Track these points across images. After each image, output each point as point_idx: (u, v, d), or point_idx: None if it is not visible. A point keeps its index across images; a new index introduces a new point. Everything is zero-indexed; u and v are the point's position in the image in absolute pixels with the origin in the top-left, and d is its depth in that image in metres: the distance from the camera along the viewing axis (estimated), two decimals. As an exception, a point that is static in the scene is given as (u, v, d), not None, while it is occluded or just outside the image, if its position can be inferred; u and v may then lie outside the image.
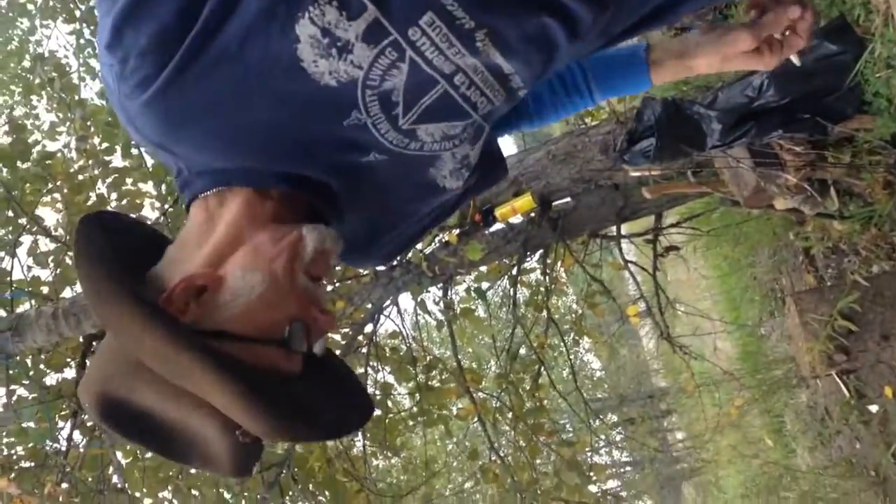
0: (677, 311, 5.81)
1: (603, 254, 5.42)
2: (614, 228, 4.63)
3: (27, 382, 4.38)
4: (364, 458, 5.10)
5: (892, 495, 5.11)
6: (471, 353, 8.52)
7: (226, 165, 0.96)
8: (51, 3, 6.42)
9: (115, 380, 0.92)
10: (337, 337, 4.86)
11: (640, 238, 5.01)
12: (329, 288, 4.52)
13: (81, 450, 4.36)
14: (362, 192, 1.03)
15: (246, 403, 0.85)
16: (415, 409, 5.38)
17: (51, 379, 4.51)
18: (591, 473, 5.37)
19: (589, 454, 5.57)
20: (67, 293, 4.43)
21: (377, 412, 5.12)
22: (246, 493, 4.65)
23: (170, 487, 4.58)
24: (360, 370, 4.82)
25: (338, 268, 4.55)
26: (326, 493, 4.81)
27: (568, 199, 4.33)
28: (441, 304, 5.03)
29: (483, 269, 5.00)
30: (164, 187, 4.63)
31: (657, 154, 3.36)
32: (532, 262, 5.05)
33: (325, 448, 4.79)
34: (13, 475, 4.05)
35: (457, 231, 4.25)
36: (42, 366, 4.48)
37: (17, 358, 4.27)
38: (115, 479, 4.33)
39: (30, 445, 4.35)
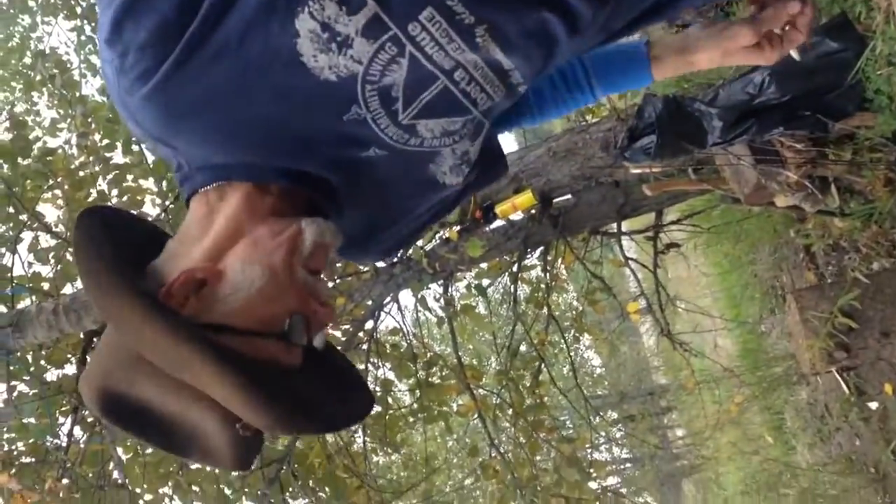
0: (678, 308, 5.81)
1: (603, 251, 5.42)
2: (615, 225, 4.63)
3: (28, 378, 4.39)
4: (364, 454, 5.11)
5: (891, 492, 5.12)
6: (471, 350, 8.53)
7: (226, 160, 0.96)
8: (52, 0, 6.42)
9: (116, 374, 0.92)
10: (337, 333, 4.87)
11: (641, 235, 5.01)
12: (330, 284, 4.53)
13: (82, 446, 4.36)
14: (362, 187, 1.03)
15: (246, 396, 0.85)
16: (415, 405, 5.39)
17: (51, 375, 4.52)
18: (591, 470, 5.37)
19: (589, 451, 5.58)
20: (68, 289, 4.44)
21: (378, 409, 5.13)
22: (246, 490, 4.65)
23: (170, 483, 4.58)
24: (361, 367, 4.83)
25: (338, 264, 4.56)
26: (326, 489, 4.82)
27: (569, 195, 4.33)
28: (441, 300, 5.04)
29: (484, 265, 5.00)
30: (164, 184, 4.63)
31: (658, 151, 3.36)
32: (533, 258, 5.05)
33: (326, 444, 4.80)
34: (14, 471, 4.06)
35: (457, 228, 4.25)
36: (43, 362, 4.49)
37: (18, 354, 4.28)
38: (115, 474, 4.34)
39: (30, 441, 4.36)
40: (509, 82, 1.02)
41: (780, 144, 3.27)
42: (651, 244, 4.85)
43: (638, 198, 4.23)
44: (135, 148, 4.72)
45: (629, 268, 5.26)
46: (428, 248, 4.43)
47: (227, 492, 4.63)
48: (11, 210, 4.51)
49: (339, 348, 1.20)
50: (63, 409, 4.45)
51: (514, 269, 4.97)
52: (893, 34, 2.81)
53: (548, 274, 5.07)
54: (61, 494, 3.97)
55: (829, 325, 3.59)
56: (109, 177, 4.81)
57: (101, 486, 4.22)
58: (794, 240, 5.31)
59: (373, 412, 5.18)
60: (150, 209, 4.92)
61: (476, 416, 5.11)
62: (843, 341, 3.62)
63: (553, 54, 1.05)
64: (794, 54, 1.22)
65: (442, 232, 4.35)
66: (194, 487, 4.57)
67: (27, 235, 4.63)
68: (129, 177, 4.87)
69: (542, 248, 4.81)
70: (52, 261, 4.52)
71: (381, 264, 4.53)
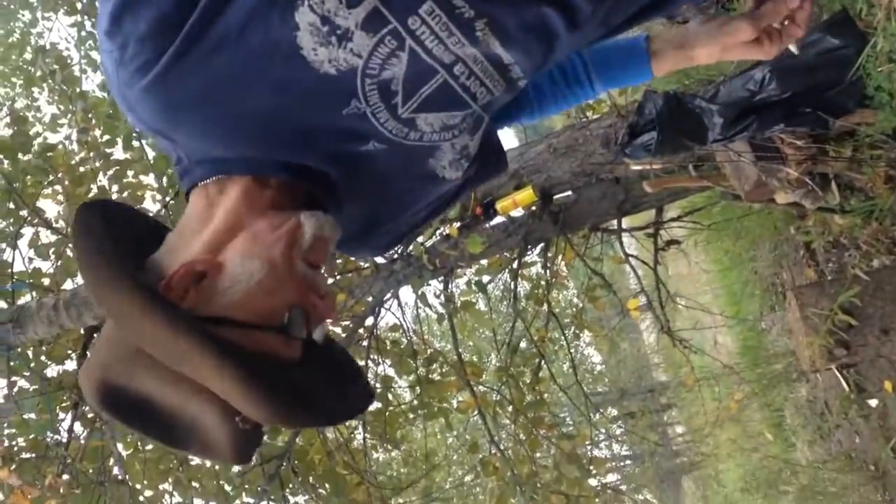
0: (678, 305, 5.80)
1: (604, 247, 5.42)
2: (615, 222, 4.63)
3: (28, 374, 4.39)
4: (364, 450, 5.11)
5: (891, 489, 5.12)
6: (471, 347, 8.52)
7: (225, 154, 0.96)
8: (52, -4, 6.42)
9: (115, 367, 0.92)
10: (338, 330, 4.87)
11: (641, 232, 5.01)
12: (330, 281, 4.52)
13: (82, 441, 4.37)
14: (361, 181, 1.03)
15: (246, 389, 0.85)
16: (415, 402, 5.38)
17: (52, 371, 4.52)
18: (591, 467, 5.37)
19: (589, 448, 5.58)
20: (68, 285, 4.44)
21: (378, 405, 5.13)
22: (246, 486, 4.66)
23: (170, 479, 4.59)
24: (361, 363, 4.83)
25: (339, 261, 4.56)
26: (326, 485, 4.82)
27: (569, 192, 4.33)
28: (442, 297, 5.04)
29: (484, 262, 5.00)
30: (165, 180, 4.63)
31: (658, 148, 3.36)
32: (533, 255, 5.05)
33: (326, 441, 4.80)
34: (14, 466, 4.06)
35: (458, 224, 4.25)
36: (43, 357, 4.49)
37: (19, 349, 4.28)
38: (115, 470, 4.34)
39: (31, 437, 4.36)
40: (509, 77, 1.03)
41: (780, 141, 3.27)
42: (651, 241, 4.85)
43: (638, 194, 4.23)
44: (135, 144, 4.72)
45: (629, 264, 5.25)
46: (428, 244, 4.43)
47: (227, 488, 4.63)
48: (12, 206, 4.51)
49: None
50: (63, 404, 4.46)
51: (515, 265, 4.97)
52: (894, 31, 2.81)
53: (548, 270, 5.06)
54: (61, 490, 3.98)
55: (829, 323, 3.60)
56: (110, 173, 4.82)
57: (101, 482, 4.22)
58: (795, 237, 5.31)
59: (373, 408, 5.20)
60: (151, 205, 4.93)
61: (476, 412, 5.11)
62: (843, 338, 3.62)
63: (553, 49, 1.05)
64: (793, 48, 1.22)
65: (442, 228, 4.35)
66: (194, 483, 4.57)
67: (28, 231, 4.63)
68: (130, 173, 4.87)
69: (542, 244, 4.80)
70: (53, 256, 4.52)
71: (381, 261, 4.53)
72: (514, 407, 5.13)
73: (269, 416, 0.88)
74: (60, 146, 5.02)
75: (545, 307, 5.21)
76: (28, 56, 6.61)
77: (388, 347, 5.21)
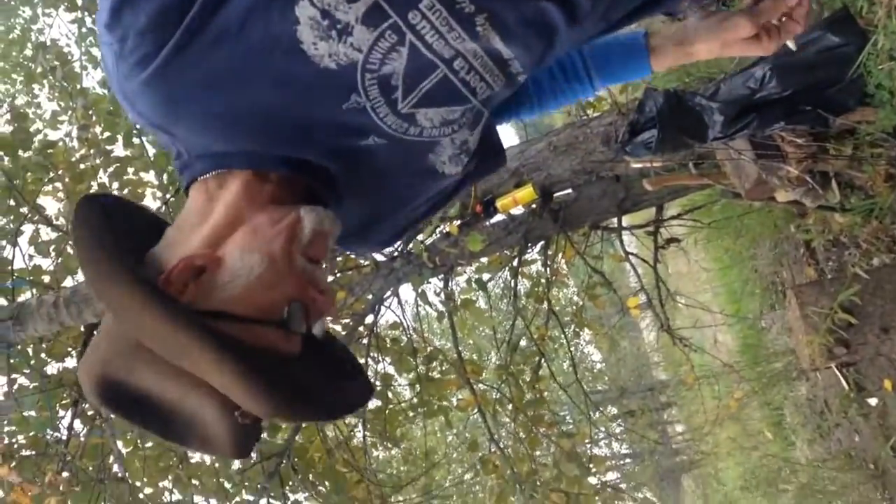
0: (678, 303, 5.80)
1: (604, 245, 5.42)
2: (615, 220, 4.63)
3: (28, 371, 4.39)
4: (364, 448, 5.11)
5: (891, 488, 5.13)
6: (471, 345, 8.52)
7: (226, 148, 0.96)
8: (52, -8, 6.41)
9: (115, 361, 0.92)
10: (338, 327, 4.87)
11: (641, 230, 5.01)
12: (330, 278, 4.53)
13: (82, 439, 4.37)
14: (361, 176, 1.03)
15: (246, 383, 0.85)
16: (415, 400, 5.39)
17: (52, 368, 4.52)
18: (591, 465, 5.37)
19: (589, 446, 5.57)
20: (69, 282, 4.44)
21: (378, 403, 5.14)
22: (246, 483, 4.66)
23: (170, 477, 4.59)
24: (361, 361, 4.83)
25: (339, 258, 4.56)
26: (326, 483, 4.82)
27: (569, 190, 4.32)
28: (442, 295, 5.04)
29: (484, 260, 5.00)
30: (165, 177, 4.63)
31: (659, 145, 3.36)
32: (533, 253, 5.05)
33: (326, 438, 4.80)
34: (14, 463, 4.06)
35: (458, 222, 4.24)
36: (43, 355, 4.49)
37: (19, 347, 4.28)
38: (115, 468, 4.34)
39: (31, 434, 4.36)
40: (509, 72, 1.03)
41: (780, 139, 3.27)
42: (651, 239, 4.85)
43: (638, 192, 4.23)
44: (136, 141, 4.72)
45: (629, 263, 5.25)
46: (428, 242, 4.43)
47: (227, 485, 4.63)
48: (12, 203, 4.51)
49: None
50: (63, 402, 4.46)
51: (515, 263, 4.97)
52: (895, 28, 2.81)
53: (548, 269, 5.06)
54: (61, 487, 3.98)
55: (828, 321, 3.59)
56: (110, 169, 4.82)
57: (101, 479, 4.22)
58: (795, 235, 5.31)
59: (373, 406, 5.20)
60: (151, 202, 4.93)
61: (476, 410, 5.11)
62: (843, 337, 3.62)
63: (553, 44, 1.05)
64: (791, 45, 1.23)
65: (442, 226, 4.35)
66: (194, 481, 4.57)
67: (28, 228, 4.63)
68: (130, 170, 4.88)
69: (542, 242, 4.80)
70: (53, 254, 4.52)
71: (381, 258, 4.53)
72: (513, 405, 5.13)
73: (268, 410, 0.88)
74: (61, 143, 5.02)
75: (545, 305, 5.21)
76: (28, 52, 6.60)
77: (388, 345, 5.21)
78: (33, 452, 4.30)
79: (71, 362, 4.53)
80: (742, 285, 7.59)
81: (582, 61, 1.25)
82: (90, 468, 4.33)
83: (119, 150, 4.85)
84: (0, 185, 4.43)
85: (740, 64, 3.37)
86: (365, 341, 4.87)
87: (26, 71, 6.23)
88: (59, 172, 4.70)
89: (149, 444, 4.53)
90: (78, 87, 5.21)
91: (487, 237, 4.36)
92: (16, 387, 4.31)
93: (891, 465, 4.88)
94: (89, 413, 4.40)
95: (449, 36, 0.94)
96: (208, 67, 0.88)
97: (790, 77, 3.05)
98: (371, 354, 4.95)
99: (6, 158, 4.62)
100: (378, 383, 5.08)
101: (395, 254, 4.50)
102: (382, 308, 4.88)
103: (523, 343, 5.55)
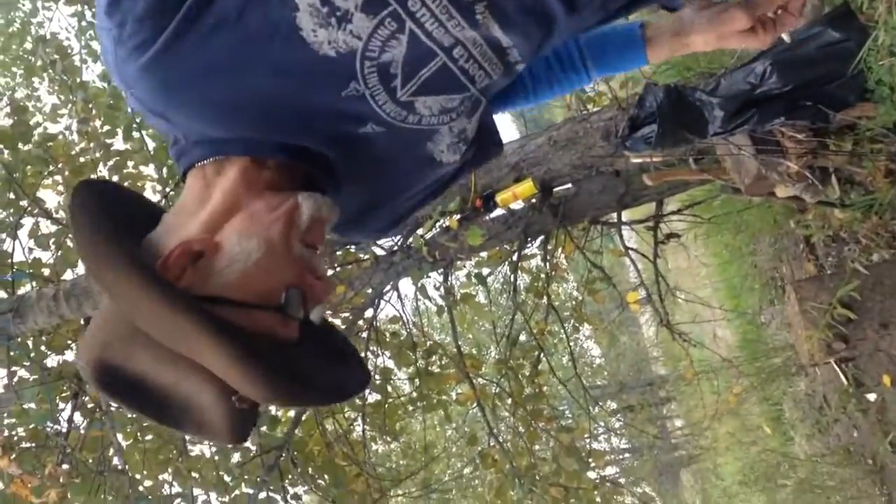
0: (677, 298, 5.81)
1: (604, 240, 5.41)
2: (615, 215, 4.63)
3: (28, 364, 4.40)
4: (363, 442, 5.12)
5: (889, 483, 5.13)
6: (471, 339, 8.53)
7: (224, 135, 0.96)
8: (53, -14, 6.41)
9: (112, 346, 0.92)
10: (337, 321, 4.87)
11: (641, 225, 5.01)
12: (330, 272, 4.53)
13: (82, 431, 4.38)
14: (359, 163, 1.03)
15: (244, 367, 0.85)
16: (414, 394, 5.40)
17: (52, 361, 4.53)
18: (590, 459, 5.38)
19: (588, 440, 5.58)
20: (68, 275, 4.45)
21: (377, 397, 5.15)
22: (246, 476, 4.67)
23: (170, 469, 4.60)
24: (360, 355, 4.82)
25: (339, 252, 4.56)
26: (326, 476, 4.83)
27: (569, 185, 4.32)
28: (441, 289, 5.04)
29: (484, 254, 5.00)
30: (165, 170, 4.63)
31: (659, 140, 3.35)
32: (533, 248, 5.04)
33: (325, 432, 4.81)
34: (14, 456, 4.07)
35: (458, 216, 4.24)
36: (43, 347, 4.50)
37: (19, 339, 4.29)
38: (115, 460, 4.35)
39: (31, 426, 4.37)
40: (507, 60, 1.03)
41: (780, 135, 3.27)
42: (651, 234, 4.85)
43: (638, 187, 4.22)
44: (135, 135, 4.73)
45: (629, 258, 5.25)
46: (428, 236, 4.43)
47: (227, 478, 4.64)
48: (12, 196, 4.51)
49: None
50: (63, 394, 4.47)
51: (514, 258, 4.97)
52: (895, 24, 2.80)
53: (548, 263, 5.06)
54: (61, 479, 3.99)
55: (828, 316, 3.59)
56: (110, 163, 4.82)
57: (100, 471, 4.24)
58: (795, 230, 5.31)
59: (372, 400, 5.21)
60: (151, 195, 4.92)
61: (475, 405, 5.11)
62: (842, 332, 3.62)
63: (551, 32, 1.05)
64: (786, 37, 1.23)
65: (442, 221, 4.35)
66: (194, 474, 4.58)
67: (28, 221, 4.64)
68: (130, 163, 4.88)
69: (542, 237, 4.80)
70: (53, 247, 4.53)
71: (381, 252, 4.53)
72: (513, 399, 5.13)
73: (266, 395, 0.88)
74: (61, 136, 5.03)
75: (545, 300, 5.22)
76: (28, 46, 6.59)
77: (388, 339, 5.22)
78: (33, 444, 4.32)
79: (71, 355, 4.54)
80: (741, 280, 7.59)
81: (578, 51, 1.25)
82: (90, 460, 4.35)
83: (119, 143, 4.87)
84: (0, 178, 4.43)
85: (741, 59, 3.36)
86: (364, 335, 4.87)
87: (26, 64, 6.23)
88: (59, 166, 4.70)
89: (149, 437, 4.54)
90: (78, 80, 5.21)
91: (487, 232, 4.36)
92: (16, 379, 4.33)
93: (889, 460, 4.89)
94: (89, 406, 4.41)
95: (448, 24, 0.94)
96: (207, 55, 0.88)
97: (790, 72, 3.04)
98: (370, 348, 4.96)
99: (6, 151, 4.63)
100: (377, 377, 5.08)
101: (395, 248, 4.50)
102: (382, 302, 4.89)
103: (523, 338, 5.56)
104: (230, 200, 0.95)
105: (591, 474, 5.46)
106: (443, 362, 5.37)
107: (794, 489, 7.04)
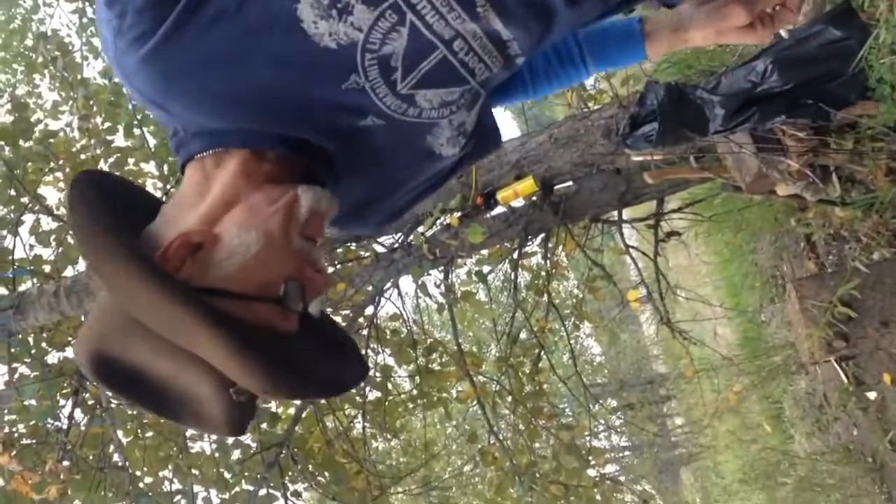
0: (678, 296, 5.80)
1: (604, 238, 5.41)
2: (616, 213, 4.63)
3: (29, 361, 4.40)
4: (364, 439, 5.12)
5: (888, 481, 5.13)
6: (471, 337, 8.53)
7: (223, 126, 0.96)
8: (54, -18, 6.41)
9: (110, 337, 0.92)
10: (338, 319, 4.87)
11: (642, 223, 5.00)
12: (330, 269, 4.53)
13: (82, 428, 4.38)
14: (359, 156, 1.03)
15: (243, 359, 0.85)
16: (415, 391, 5.40)
17: (52, 357, 4.54)
18: (590, 457, 5.38)
19: (588, 438, 5.58)
20: (69, 272, 4.45)
21: (377, 394, 5.15)
22: (246, 473, 4.67)
23: (170, 466, 4.61)
24: (359, 348, 4.82)
25: (339, 250, 4.56)
26: (326, 473, 4.84)
27: (570, 183, 4.32)
28: (442, 286, 5.04)
29: (484, 252, 5.00)
30: (166, 167, 4.63)
31: (659, 139, 3.35)
32: (533, 245, 5.05)
33: (325, 429, 4.81)
34: (14, 452, 4.07)
35: (458, 214, 4.24)
36: (44, 344, 4.51)
37: (20, 336, 4.29)
38: (115, 457, 4.35)
39: (31, 423, 4.37)
40: (507, 53, 1.03)
41: (781, 133, 3.26)
42: (652, 232, 4.85)
43: (639, 185, 4.22)
44: (136, 132, 4.73)
45: (630, 256, 5.25)
46: (429, 234, 4.43)
47: (227, 475, 4.65)
48: (13, 192, 4.52)
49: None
50: (64, 391, 4.47)
51: (515, 255, 4.97)
52: (897, 22, 2.80)
53: (548, 261, 5.06)
54: (62, 476, 3.99)
55: (828, 315, 3.59)
56: (111, 160, 4.82)
57: (101, 468, 4.24)
58: (795, 229, 5.31)
59: (372, 397, 5.21)
60: (152, 192, 4.92)
61: (475, 402, 5.12)
62: (843, 331, 3.62)
63: (551, 26, 1.05)
64: (784, 33, 1.24)
65: (443, 218, 4.35)
66: (194, 471, 4.58)
67: (28, 218, 4.64)
68: (131, 160, 4.89)
69: (542, 235, 4.80)
70: (54, 243, 4.53)
71: (381, 249, 4.54)
72: (513, 397, 5.13)
73: (265, 387, 0.87)
74: (62, 133, 5.03)
75: (545, 298, 5.22)
76: (29, 42, 6.59)
77: (388, 337, 5.22)
78: (34, 441, 4.32)
79: (71, 352, 4.54)
80: (742, 279, 7.59)
81: (577, 46, 1.25)
82: (90, 457, 4.35)
83: (120, 140, 4.87)
84: (1, 175, 4.43)
85: (742, 57, 3.36)
86: (365, 332, 4.87)
87: (27, 61, 6.23)
88: (60, 162, 4.70)
89: (149, 434, 4.55)
90: (79, 77, 5.21)
91: (488, 229, 4.36)
92: (16, 376, 4.33)
93: (889, 458, 4.89)
94: (90, 402, 4.42)
95: (449, 16, 0.94)
96: (206, 46, 0.88)
97: (791, 71, 3.04)
98: (371, 346, 4.96)
99: (7, 148, 4.63)
100: (378, 375, 5.09)
101: (396, 245, 4.50)
102: (382, 299, 4.89)
103: (523, 335, 5.56)
104: (229, 192, 0.95)
105: (591, 472, 5.46)
106: (443, 360, 5.37)
107: (794, 487, 7.04)
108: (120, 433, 4.40)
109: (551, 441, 5.43)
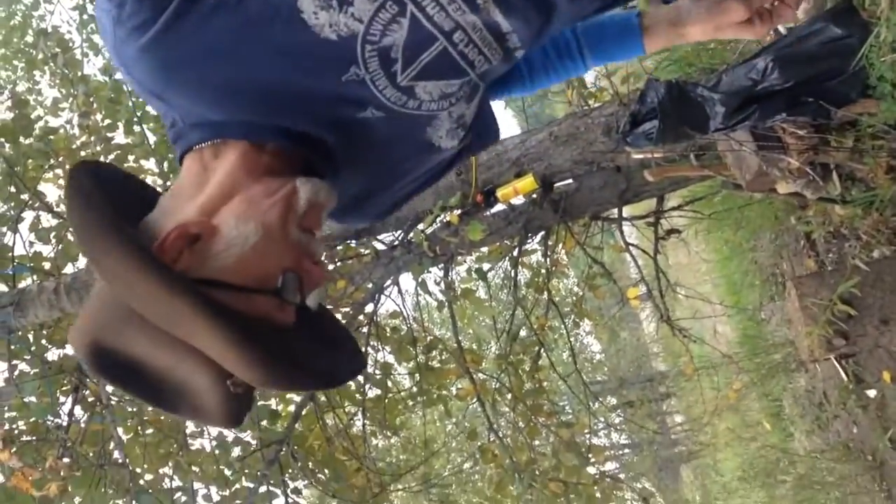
0: (678, 294, 5.80)
1: (604, 236, 5.41)
2: (616, 211, 4.63)
3: (29, 357, 4.41)
4: (364, 437, 5.12)
5: (888, 479, 5.14)
6: (471, 334, 8.53)
7: (222, 118, 0.95)
8: (54, -21, 6.41)
9: (107, 328, 0.92)
10: (338, 316, 4.87)
11: (642, 221, 5.00)
12: (330, 267, 4.53)
13: (83, 425, 4.38)
14: (358, 148, 1.03)
15: (240, 351, 0.85)
16: (414, 389, 5.40)
17: (52, 354, 4.54)
18: (590, 455, 5.38)
19: (588, 436, 5.58)
20: (69, 269, 4.45)
21: (377, 392, 5.15)
22: (246, 470, 4.68)
23: (170, 463, 4.61)
24: (357, 341, 4.82)
25: (339, 247, 4.56)
26: (326, 471, 4.84)
27: (570, 180, 4.32)
28: (442, 284, 5.04)
29: (484, 249, 5.00)
30: (166, 165, 4.63)
31: (660, 136, 3.35)
32: (533, 243, 5.05)
33: (325, 426, 4.81)
34: (15, 449, 4.08)
35: (458, 211, 4.24)
36: (44, 341, 4.51)
37: (19, 333, 4.29)
38: (116, 454, 4.36)
39: (31, 420, 4.38)
40: (507, 46, 1.03)
41: (782, 131, 3.26)
42: (652, 230, 4.85)
43: (639, 183, 4.22)
44: (136, 129, 4.72)
45: (630, 253, 5.25)
46: (429, 231, 4.43)
47: (227, 472, 4.65)
48: (13, 189, 4.51)
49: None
50: (64, 388, 4.47)
51: (515, 253, 4.96)
52: (897, 20, 2.80)
53: (548, 259, 5.06)
54: (62, 473, 3.99)
55: (828, 313, 3.60)
56: (111, 157, 4.82)
57: (101, 465, 4.24)
58: (795, 227, 5.31)
59: (372, 395, 5.21)
60: (152, 190, 4.92)
61: (475, 400, 5.12)
62: (843, 329, 3.63)
63: (551, 18, 1.05)
64: (782, 29, 1.24)
65: (443, 216, 4.35)
66: (194, 468, 4.59)
67: (28, 215, 4.64)
68: (131, 157, 4.88)
69: (542, 232, 4.80)
70: (54, 240, 4.53)
71: (381, 247, 4.54)
72: (513, 395, 5.14)
73: (262, 378, 0.87)
74: (62, 130, 5.03)
75: (545, 295, 5.22)
76: (29, 39, 6.58)
77: (388, 334, 5.22)
78: (34, 438, 4.32)
79: (71, 349, 4.53)
80: (742, 276, 7.58)
81: (575, 40, 1.26)
82: (91, 454, 4.35)
83: (120, 137, 4.87)
84: (1, 172, 4.43)
85: (742, 55, 3.36)
86: (365, 330, 4.87)
87: (27, 58, 6.22)
88: (60, 159, 4.70)
89: (149, 431, 4.55)
90: (79, 74, 5.21)
91: (488, 227, 4.36)
92: (17, 373, 4.33)
93: (888, 456, 4.89)
94: (90, 399, 4.42)
95: (450, 8, 0.94)
96: (207, 36, 0.87)
97: (792, 68, 3.04)
98: (371, 343, 4.96)
99: (7, 145, 4.63)
100: (378, 372, 5.09)
101: (396, 243, 4.50)
102: (382, 297, 4.89)
103: (523, 333, 5.56)
104: (228, 184, 0.95)
105: (591, 469, 5.46)
106: (443, 357, 5.37)
107: (794, 485, 7.04)
108: (120, 430, 4.40)
109: (551, 438, 5.44)
